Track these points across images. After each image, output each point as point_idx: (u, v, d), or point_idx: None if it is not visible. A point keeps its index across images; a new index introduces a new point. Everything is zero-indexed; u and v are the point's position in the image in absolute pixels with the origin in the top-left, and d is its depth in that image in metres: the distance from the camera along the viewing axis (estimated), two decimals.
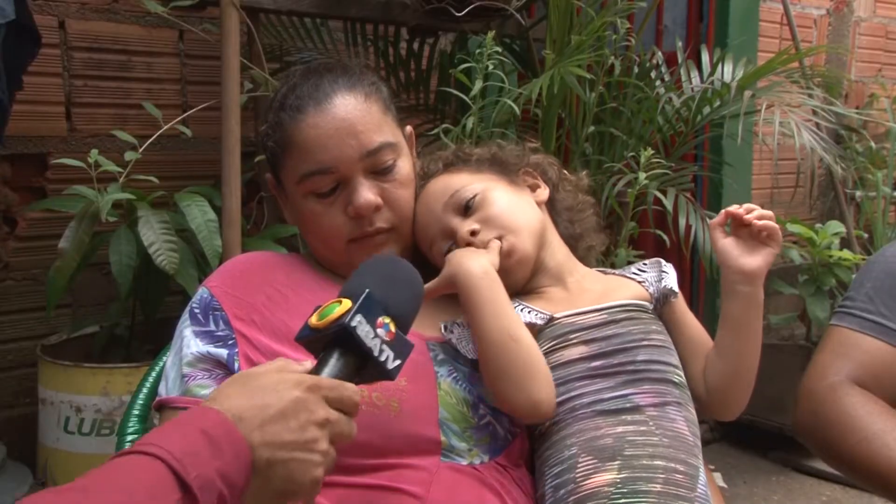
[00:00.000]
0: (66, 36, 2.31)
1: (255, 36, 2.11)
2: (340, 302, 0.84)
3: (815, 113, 2.50)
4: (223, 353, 1.03)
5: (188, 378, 1.03)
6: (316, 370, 0.84)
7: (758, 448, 3.24)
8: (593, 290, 1.11)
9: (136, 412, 1.16)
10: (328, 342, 0.85)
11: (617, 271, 1.18)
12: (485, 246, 1.07)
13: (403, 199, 1.10)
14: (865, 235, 3.57)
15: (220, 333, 1.05)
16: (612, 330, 1.03)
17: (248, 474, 0.74)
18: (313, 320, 0.85)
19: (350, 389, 0.82)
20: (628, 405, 0.98)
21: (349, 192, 1.07)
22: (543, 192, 1.17)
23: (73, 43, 2.33)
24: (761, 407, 3.10)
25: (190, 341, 1.05)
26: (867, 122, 3.80)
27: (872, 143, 3.73)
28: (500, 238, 1.07)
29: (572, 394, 1.00)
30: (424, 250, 1.14)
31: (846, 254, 3.01)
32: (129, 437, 1.14)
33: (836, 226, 3.11)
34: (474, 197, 1.09)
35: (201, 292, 1.10)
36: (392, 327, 0.85)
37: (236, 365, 1.02)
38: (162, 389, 1.07)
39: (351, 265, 1.11)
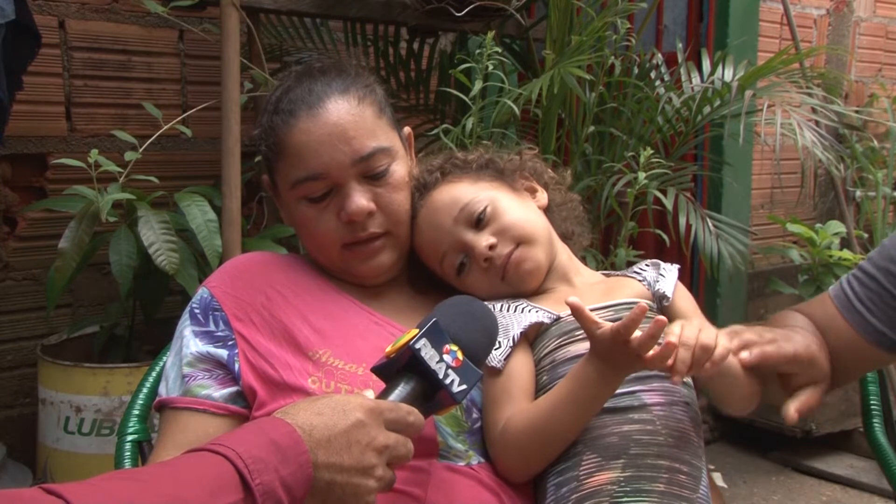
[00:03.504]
0: (66, 36, 2.31)
1: (255, 36, 2.11)
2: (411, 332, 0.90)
3: (815, 112, 2.50)
4: (223, 353, 1.03)
5: (188, 378, 1.03)
6: (382, 395, 0.88)
7: (758, 448, 3.24)
8: (598, 289, 1.11)
9: (136, 412, 1.16)
10: (399, 369, 0.89)
11: (618, 272, 1.18)
12: (502, 259, 1.07)
13: (397, 203, 1.10)
14: (865, 235, 3.57)
15: (219, 334, 1.05)
16: None
17: (307, 489, 0.77)
18: (387, 349, 0.90)
19: (406, 410, 0.86)
20: (636, 403, 0.98)
21: (342, 198, 1.07)
22: (543, 197, 1.17)
23: (73, 43, 2.33)
24: (761, 407, 3.10)
25: (190, 341, 1.06)
26: (867, 122, 3.80)
27: (875, 143, 3.72)
28: (515, 248, 1.08)
29: None
30: (433, 265, 1.13)
31: (846, 254, 3.01)
32: (129, 437, 1.13)
33: (836, 226, 3.11)
34: (485, 209, 1.08)
35: (201, 292, 1.10)
36: (459, 355, 0.90)
37: (236, 366, 1.02)
38: (162, 389, 1.07)
39: (346, 270, 1.12)
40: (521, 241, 1.08)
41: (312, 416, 0.80)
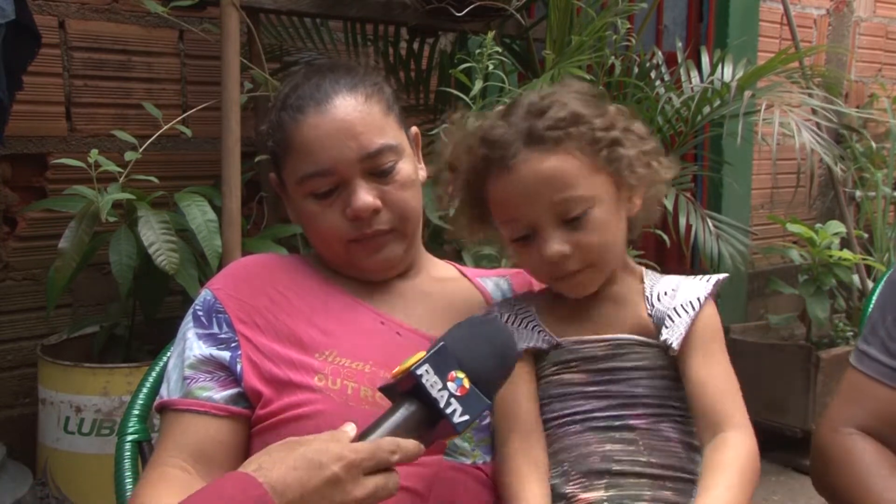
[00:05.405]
0: (66, 36, 2.31)
1: (255, 36, 2.11)
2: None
3: (814, 112, 2.50)
4: (226, 355, 1.03)
5: (190, 380, 1.03)
6: (375, 426, 0.85)
7: (758, 448, 3.23)
8: (601, 311, 1.04)
9: (136, 412, 1.16)
10: (404, 392, 0.86)
11: (646, 283, 1.05)
12: (563, 272, 0.98)
13: (403, 200, 1.09)
14: (865, 235, 3.58)
15: (222, 336, 1.05)
16: (615, 363, 1.00)
17: None
18: (395, 370, 0.87)
19: (389, 449, 0.83)
20: (618, 423, 0.97)
21: (348, 195, 1.07)
22: (637, 204, 1.05)
23: (73, 43, 2.32)
24: (761, 407, 3.10)
25: (193, 343, 1.06)
26: (867, 122, 3.80)
27: (873, 143, 3.72)
28: (583, 269, 0.99)
29: (567, 410, 1.00)
30: (495, 215, 1.03)
31: (846, 254, 3.01)
32: (129, 438, 1.13)
33: (836, 226, 3.11)
34: (584, 213, 0.97)
35: (204, 294, 1.10)
36: (465, 383, 0.85)
37: (238, 367, 1.02)
38: (164, 391, 1.07)
39: (352, 265, 1.12)
40: (593, 264, 1.00)
41: (287, 472, 0.79)
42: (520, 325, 1.05)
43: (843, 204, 3.33)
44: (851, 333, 3.22)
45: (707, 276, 1.04)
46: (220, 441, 1.00)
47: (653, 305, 1.02)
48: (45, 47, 2.05)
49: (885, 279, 1.22)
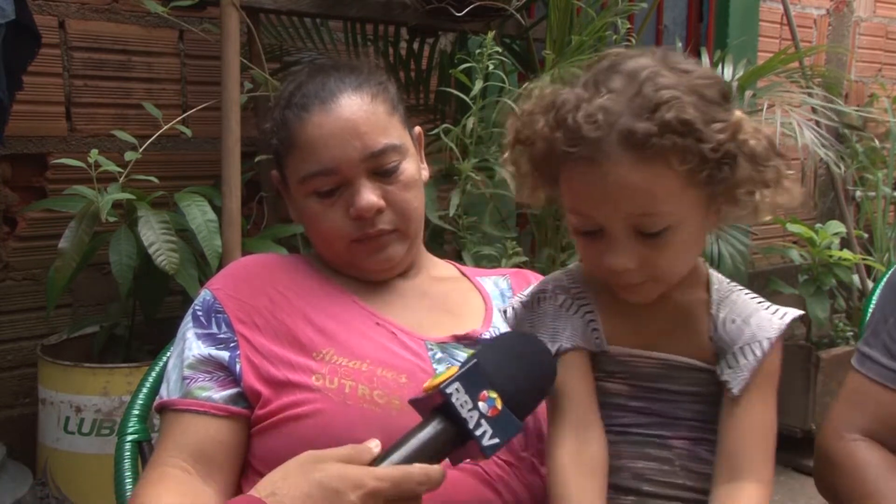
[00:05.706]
0: (66, 36, 2.31)
1: (255, 36, 2.11)
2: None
3: (815, 111, 2.50)
4: (224, 355, 1.04)
5: (189, 380, 1.04)
6: (399, 444, 0.82)
7: None
8: (662, 318, 0.94)
9: (136, 412, 1.16)
10: (434, 408, 0.83)
11: (713, 296, 0.94)
12: (625, 282, 0.88)
13: (406, 201, 1.09)
14: (865, 235, 3.58)
15: (221, 336, 1.05)
16: (663, 384, 0.93)
17: None
18: (425, 384, 0.83)
19: (417, 479, 0.79)
20: (656, 440, 0.92)
21: (351, 194, 1.07)
22: (718, 221, 0.93)
23: (73, 43, 2.32)
24: None
25: (192, 343, 1.06)
26: (867, 122, 3.80)
27: (876, 141, 3.72)
28: (645, 282, 0.89)
29: (605, 421, 0.93)
30: (565, 201, 0.90)
31: (846, 254, 3.01)
32: (129, 438, 1.13)
33: (836, 226, 3.11)
34: (663, 231, 0.84)
35: (204, 294, 1.10)
36: (498, 403, 0.81)
37: (237, 367, 1.03)
38: (163, 391, 1.07)
39: (354, 264, 1.12)
40: (659, 279, 0.89)
41: (302, 500, 0.77)
42: (575, 313, 0.94)
43: (843, 204, 3.33)
44: (851, 333, 3.22)
45: (781, 311, 0.94)
46: (219, 441, 1.00)
47: (716, 329, 0.92)
48: (45, 47, 2.05)
49: (884, 280, 1.21)
